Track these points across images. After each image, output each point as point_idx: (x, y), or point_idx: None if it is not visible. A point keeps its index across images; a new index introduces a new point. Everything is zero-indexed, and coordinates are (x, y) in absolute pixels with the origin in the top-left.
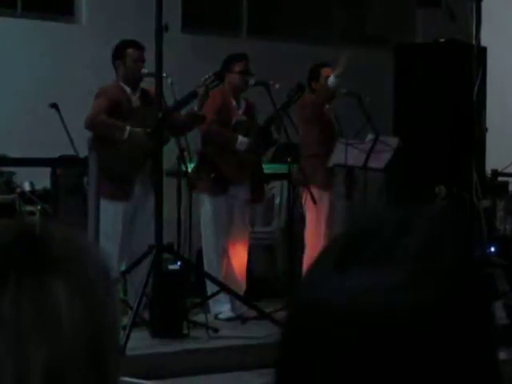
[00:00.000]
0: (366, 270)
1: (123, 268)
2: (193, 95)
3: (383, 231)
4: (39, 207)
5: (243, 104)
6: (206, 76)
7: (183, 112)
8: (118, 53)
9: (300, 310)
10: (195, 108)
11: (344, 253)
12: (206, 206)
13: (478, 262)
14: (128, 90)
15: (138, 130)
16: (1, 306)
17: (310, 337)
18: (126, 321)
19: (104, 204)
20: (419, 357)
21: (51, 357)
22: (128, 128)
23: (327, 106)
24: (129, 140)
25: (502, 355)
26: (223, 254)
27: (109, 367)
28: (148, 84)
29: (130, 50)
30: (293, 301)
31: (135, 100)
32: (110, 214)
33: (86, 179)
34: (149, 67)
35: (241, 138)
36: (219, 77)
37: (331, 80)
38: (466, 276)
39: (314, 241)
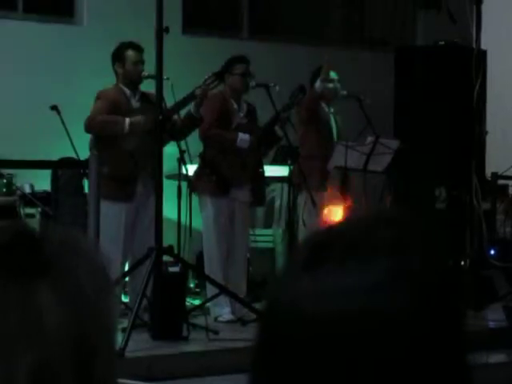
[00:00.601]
0: (334, 271)
1: (123, 269)
2: (191, 96)
3: (350, 231)
4: (40, 209)
5: (244, 106)
6: (206, 77)
7: (181, 114)
8: (118, 55)
9: (270, 314)
10: (191, 110)
11: (312, 253)
12: (207, 209)
13: (448, 265)
14: (128, 92)
15: (139, 118)
16: None
17: (282, 341)
18: (126, 323)
19: (106, 205)
20: (392, 359)
21: (37, 361)
22: (127, 120)
23: (327, 109)
24: (131, 133)
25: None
26: (224, 256)
27: (99, 371)
28: (149, 86)
29: (129, 52)
30: (265, 304)
31: (135, 102)
32: (112, 216)
33: (86, 181)
34: (149, 69)
35: (241, 135)
36: (219, 77)
37: (317, 85)
38: (436, 278)
39: None
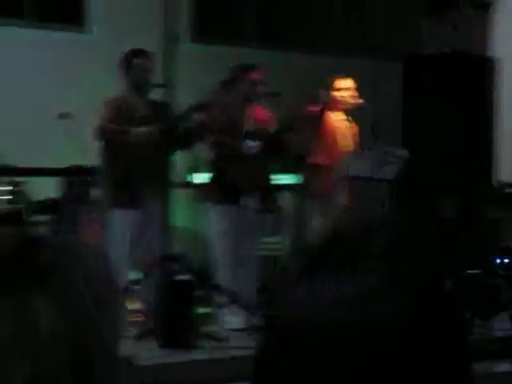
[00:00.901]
0: (330, 279)
1: (132, 277)
2: (193, 108)
3: (346, 238)
4: (47, 217)
5: (254, 113)
6: (212, 89)
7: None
8: (126, 62)
9: (270, 323)
10: (195, 121)
11: (310, 262)
12: (216, 216)
13: (443, 272)
14: (135, 99)
15: (144, 128)
16: None
17: (281, 352)
18: (134, 331)
19: (114, 213)
20: (390, 368)
21: (33, 371)
22: (133, 130)
23: (342, 117)
24: (136, 141)
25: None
26: (234, 264)
27: (98, 381)
28: (158, 94)
29: (137, 60)
30: (264, 316)
31: (143, 110)
32: (121, 223)
33: (93, 189)
34: (158, 77)
35: (247, 144)
36: (225, 86)
37: (321, 93)
38: (433, 284)
39: None
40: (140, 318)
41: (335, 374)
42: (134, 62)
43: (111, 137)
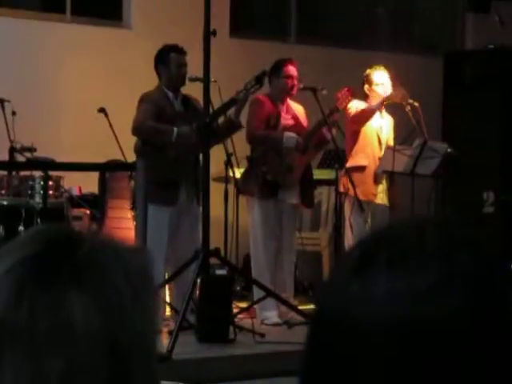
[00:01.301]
0: (384, 275)
1: (168, 273)
2: (233, 101)
3: (400, 235)
4: (87, 212)
5: (291, 108)
6: (247, 81)
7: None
8: (161, 57)
9: (318, 319)
10: (231, 114)
11: (362, 257)
12: (255, 211)
13: (500, 268)
14: (171, 95)
15: (186, 128)
16: (17, 319)
17: (332, 350)
18: (172, 326)
19: (150, 209)
20: (445, 365)
21: (67, 369)
22: (175, 129)
23: (379, 114)
24: (177, 142)
25: None
26: (271, 258)
27: (136, 378)
28: (197, 89)
29: (173, 55)
30: (314, 311)
31: (177, 105)
32: (157, 219)
33: (133, 184)
34: (197, 72)
35: (287, 134)
36: (259, 81)
37: (375, 104)
38: (489, 281)
39: None
40: (177, 313)
41: (387, 370)
42: (171, 56)
43: (152, 135)
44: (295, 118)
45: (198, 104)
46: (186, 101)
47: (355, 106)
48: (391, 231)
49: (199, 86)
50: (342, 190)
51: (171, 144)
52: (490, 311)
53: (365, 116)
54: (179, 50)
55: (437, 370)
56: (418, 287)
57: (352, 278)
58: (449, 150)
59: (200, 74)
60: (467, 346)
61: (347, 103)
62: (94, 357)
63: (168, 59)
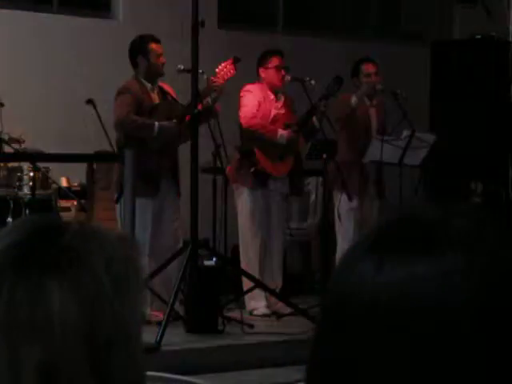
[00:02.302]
0: (405, 258)
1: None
2: (210, 89)
3: (420, 222)
4: (75, 203)
5: (282, 97)
6: (221, 67)
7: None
8: (140, 48)
9: (335, 301)
10: (209, 100)
11: (380, 240)
12: (244, 201)
13: None
14: (148, 86)
15: (167, 123)
16: None
17: (348, 333)
18: (161, 317)
19: (135, 200)
20: (476, 354)
21: (45, 358)
22: (157, 124)
23: (368, 103)
24: (159, 136)
25: None
26: (260, 248)
27: (114, 367)
28: (184, 80)
29: (152, 45)
30: (327, 292)
31: (155, 96)
32: (140, 211)
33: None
34: (185, 63)
35: (281, 131)
36: (236, 62)
37: (353, 100)
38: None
39: (345, 238)
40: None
41: (401, 353)
42: (150, 46)
43: (134, 130)
44: (286, 107)
45: (172, 94)
46: (163, 92)
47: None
48: (412, 216)
49: (188, 76)
50: (332, 179)
51: (152, 138)
52: (502, 308)
53: (348, 115)
54: (157, 40)
55: (450, 355)
56: (439, 271)
57: (368, 259)
58: (436, 140)
59: (188, 65)
60: (482, 338)
61: (337, 92)
62: (72, 346)
63: (147, 49)
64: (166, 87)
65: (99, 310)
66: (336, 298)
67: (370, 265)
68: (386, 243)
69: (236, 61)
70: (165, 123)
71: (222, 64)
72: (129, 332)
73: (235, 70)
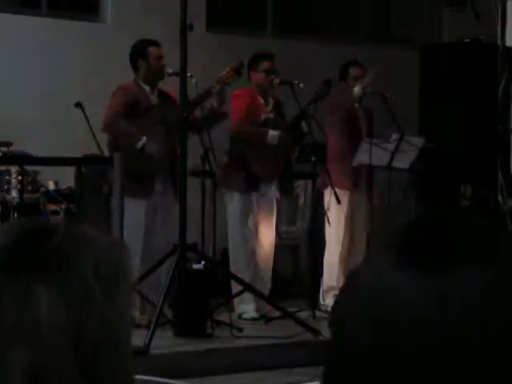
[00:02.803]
0: (424, 271)
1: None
2: (208, 92)
3: (445, 232)
4: (64, 206)
5: (271, 101)
6: (224, 72)
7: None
8: (140, 51)
9: (345, 312)
10: (215, 105)
11: (398, 250)
12: (234, 205)
13: None
14: (147, 88)
15: (155, 145)
16: None
17: (361, 340)
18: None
19: (126, 202)
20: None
21: (33, 361)
22: (144, 139)
23: (356, 105)
24: (141, 150)
25: None
26: (250, 253)
27: (102, 370)
28: (174, 84)
29: (151, 48)
30: (346, 297)
31: (153, 98)
32: (132, 212)
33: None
34: (173, 66)
35: (271, 132)
36: (236, 72)
37: (356, 90)
38: None
39: (334, 241)
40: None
41: (418, 367)
42: (149, 50)
43: (119, 136)
44: (275, 110)
45: (174, 98)
46: (163, 95)
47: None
48: (436, 225)
49: (177, 80)
50: (321, 182)
51: (134, 149)
52: None
53: (344, 102)
54: (156, 44)
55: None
56: (459, 290)
57: (387, 268)
58: (425, 143)
59: (177, 68)
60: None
61: (326, 95)
62: (60, 349)
63: (147, 53)
64: (173, 94)
65: (87, 313)
66: (349, 311)
67: (391, 277)
68: (404, 255)
69: (236, 70)
70: (153, 145)
71: (226, 70)
72: (117, 335)
73: (234, 78)
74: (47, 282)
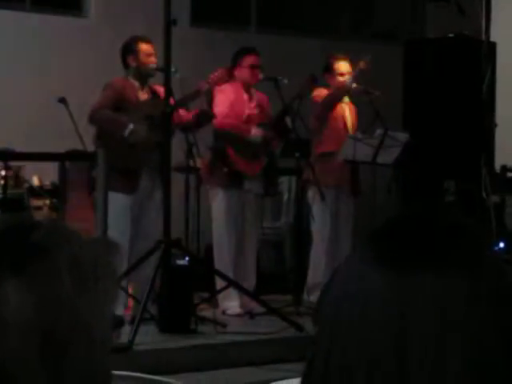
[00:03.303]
0: (412, 272)
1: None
2: (197, 92)
3: (433, 236)
4: (47, 202)
5: (255, 97)
6: (216, 73)
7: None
8: (130, 48)
9: (335, 305)
10: (204, 105)
11: (386, 249)
12: (218, 201)
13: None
14: (136, 84)
15: (140, 128)
16: None
17: (349, 335)
18: (132, 315)
19: (111, 197)
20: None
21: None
22: (131, 125)
23: (347, 100)
24: (129, 137)
25: None
26: (234, 249)
27: (68, 367)
28: (159, 81)
29: (142, 45)
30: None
31: (143, 95)
32: (117, 207)
33: (94, 173)
34: (157, 62)
35: (254, 129)
36: (228, 73)
37: (349, 81)
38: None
39: (320, 237)
40: (138, 303)
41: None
42: (139, 46)
43: (105, 123)
44: (259, 107)
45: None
46: (153, 92)
47: (319, 93)
48: (424, 228)
49: (161, 75)
50: (305, 178)
51: (122, 137)
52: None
53: (334, 98)
54: (147, 40)
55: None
56: (446, 294)
57: (373, 268)
58: (409, 138)
59: (161, 63)
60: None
61: (311, 91)
62: (25, 347)
63: (137, 50)
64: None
65: (58, 310)
66: (337, 308)
67: (377, 276)
68: (391, 255)
69: (230, 74)
70: (138, 128)
71: (218, 71)
72: (91, 333)
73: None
74: (19, 278)
